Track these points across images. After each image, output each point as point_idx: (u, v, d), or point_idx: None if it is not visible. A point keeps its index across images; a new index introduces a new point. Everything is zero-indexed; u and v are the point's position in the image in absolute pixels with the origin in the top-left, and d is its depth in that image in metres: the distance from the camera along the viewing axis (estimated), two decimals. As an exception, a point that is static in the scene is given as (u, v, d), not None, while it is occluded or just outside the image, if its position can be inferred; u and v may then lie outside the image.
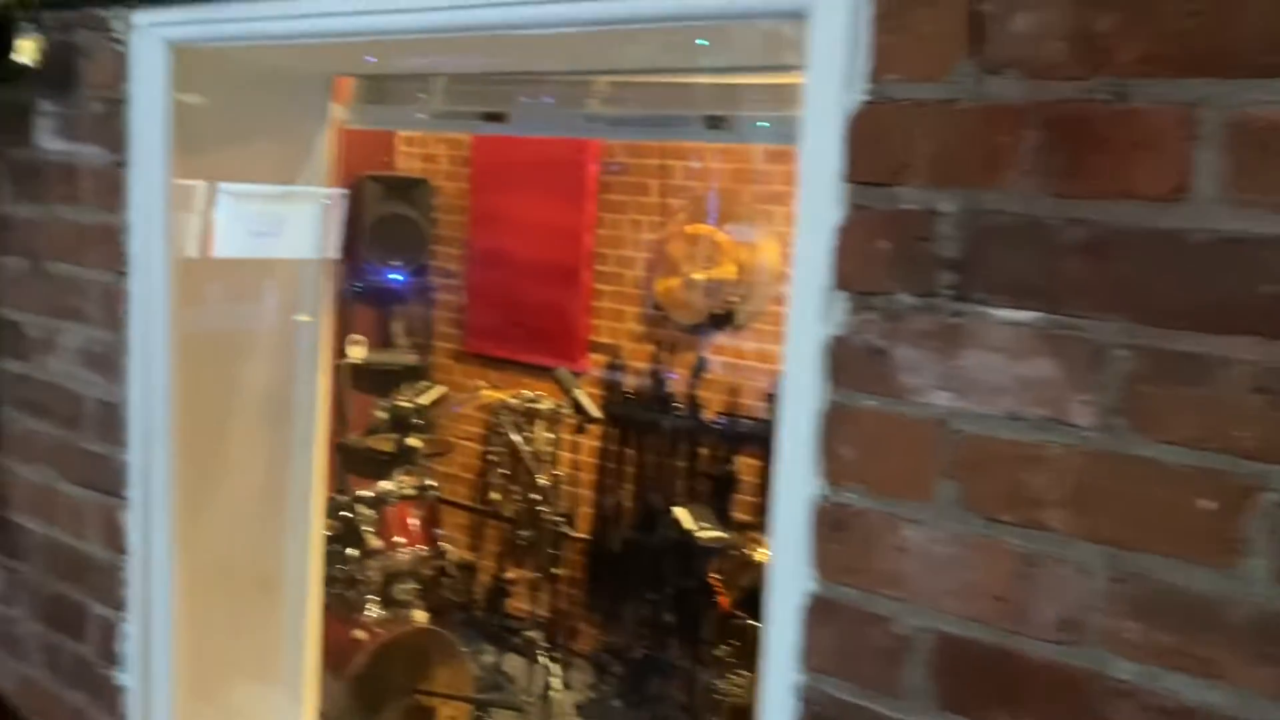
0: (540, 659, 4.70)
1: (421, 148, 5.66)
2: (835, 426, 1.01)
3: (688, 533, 4.11)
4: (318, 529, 1.94)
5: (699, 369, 4.82)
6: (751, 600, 4.39)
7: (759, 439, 4.62)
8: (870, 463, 0.99)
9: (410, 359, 5.61)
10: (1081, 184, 0.86)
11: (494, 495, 5.35)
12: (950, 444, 0.94)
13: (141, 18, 1.59)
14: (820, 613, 1.04)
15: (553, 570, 5.03)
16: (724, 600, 4.22)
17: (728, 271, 4.59)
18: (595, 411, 4.09)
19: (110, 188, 1.65)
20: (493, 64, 1.53)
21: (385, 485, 4.33)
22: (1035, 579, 0.91)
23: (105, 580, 1.75)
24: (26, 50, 1.62)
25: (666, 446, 4.89)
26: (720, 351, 4.79)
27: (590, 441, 5.24)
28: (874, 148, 0.97)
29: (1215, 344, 0.81)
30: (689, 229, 4.71)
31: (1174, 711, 0.85)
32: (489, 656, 4.84)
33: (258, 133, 1.77)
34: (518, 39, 1.29)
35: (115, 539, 1.72)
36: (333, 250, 1.92)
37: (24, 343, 1.83)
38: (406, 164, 5.73)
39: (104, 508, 1.73)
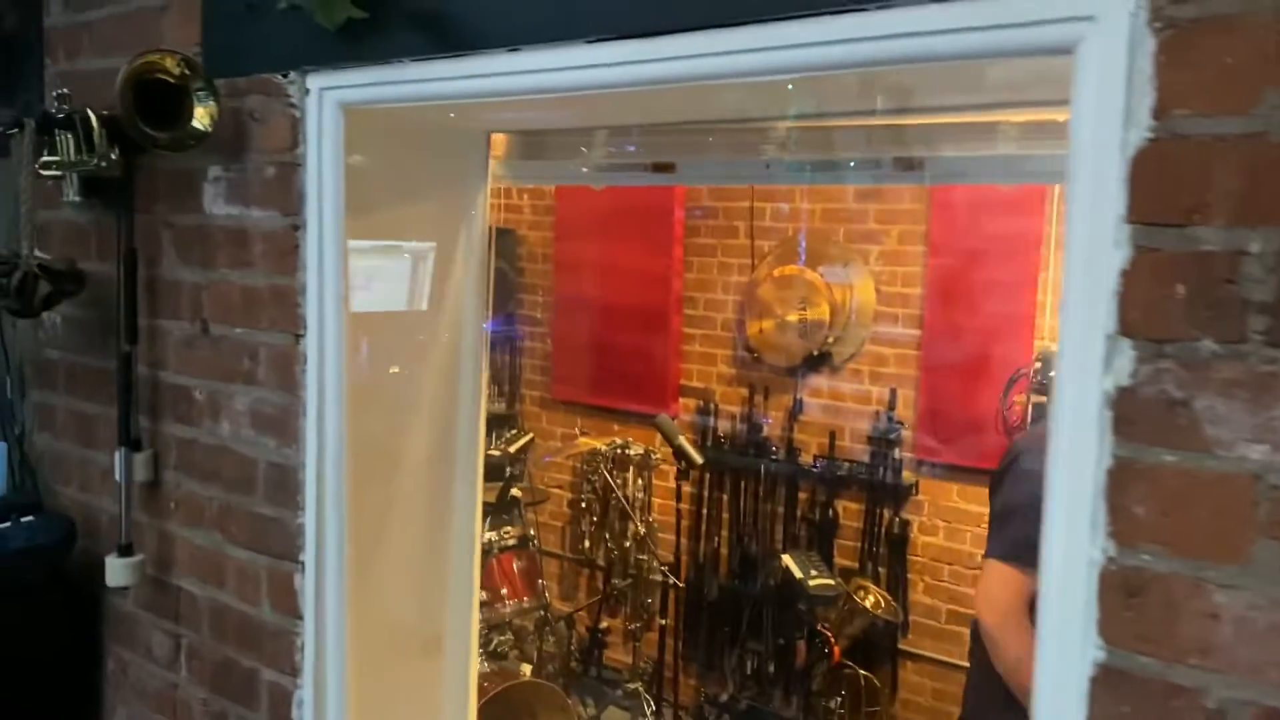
0: (644, 711, 4.62)
1: (505, 198, 5.70)
2: (1125, 484, 0.95)
3: (798, 581, 4.02)
4: (477, 588, 1.90)
5: (795, 411, 4.75)
6: (858, 649, 4.28)
7: (858, 482, 4.53)
8: (1170, 522, 0.92)
9: (499, 407, 5.61)
10: None
11: (585, 544, 5.30)
12: (1270, 501, 0.87)
13: (315, 81, 1.59)
14: (1110, 683, 0.96)
15: (658, 620, 4.97)
16: (837, 650, 4.11)
17: (822, 312, 4.53)
18: (698, 458, 4.03)
19: (284, 250, 1.64)
20: (697, 113, 1.51)
21: (489, 535, 4.31)
22: (1383, 648, 0.83)
23: (278, 645, 1.72)
24: (201, 117, 1.63)
25: (763, 491, 4.82)
26: (816, 394, 4.72)
27: (684, 488, 5.18)
28: (1164, 187, 0.91)
29: None
30: (780, 270, 4.67)
31: None
32: (589, 709, 4.76)
33: (419, 192, 1.76)
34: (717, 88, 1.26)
35: (288, 603, 1.70)
36: (424, 302, 1.89)
37: (191, 407, 1.83)
38: (492, 215, 5.77)
39: (276, 572, 1.71)
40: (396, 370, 1.74)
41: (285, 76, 1.61)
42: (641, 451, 5.06)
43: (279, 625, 1.72)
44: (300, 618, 1.69)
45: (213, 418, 1.80)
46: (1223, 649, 0.90)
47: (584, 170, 1.87)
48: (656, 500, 5.24)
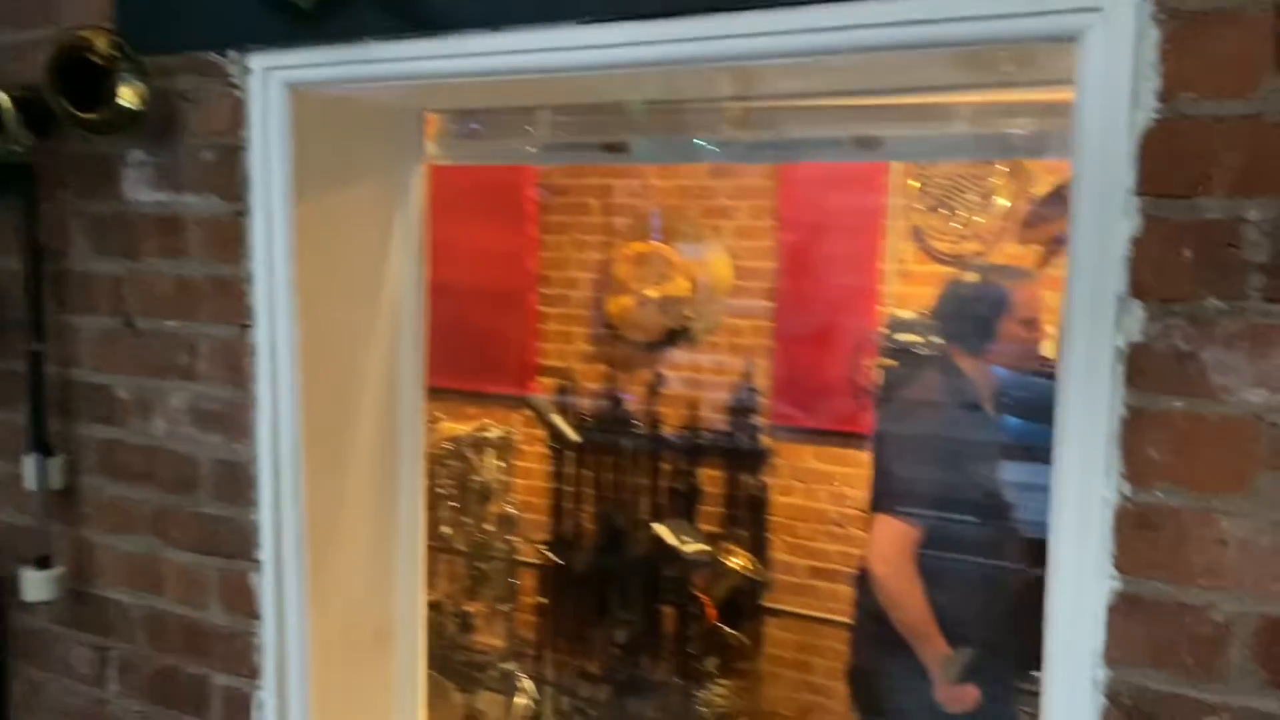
0: (518, 692, 4.63)
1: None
2: (1138, 429, 1.05)
3: (672, 548, 4.12)
4: (424, 575, 1.88)
5: (656, 386, 4.85)
6: (726, 610, 4.44)
7: (719, 450, 4.68)
8: (1181, 461, 1.04)
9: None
10: (1401, 187, 0.93)
11: (445, 529, 5.23)
12: (1271, 437, 1.00)
13: (259, 61, 1.52)
14: (1128, 609, 1.08)
15: (533, 599, 4.97)
16: (712, 612, 4.25)
17: (680, 288, 4.63)
18: (574, 435, 4.06)
19: (228, 238, 1.56)
20: (697, 90, 1.52)
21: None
22: (1370, 557, 0.97)
23: (231, 648, 1.65)
24: (128, 97, 1.52)
25: (627, 465, 4.90)
26: (676, 368, 4.83)
27: (549, 467, 5.20)
28: (1171, 163, 1.02)
29: None
30: (636, 247, 4.74)
31: None
32: (459, 694, 4.72)
33: (356, 174, 1.71)
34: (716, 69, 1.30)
35: (244, 604, 1.63)
36: (364, 287, 1.85)
37: (113, 406, 1.71)
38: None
39: (229, 572, 1.64)
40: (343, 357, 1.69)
41: (224, 55, 1.53)
42: (501, 434, 5.04)
43: (233, 627, 1.65)
44: (258, 618, 1.63)
45: (141, 417, 1.69)
46: (1229, 569, 1.03)
47: (529, 150, 1.86)
48: (518, 482, 5.23)
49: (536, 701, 4.25)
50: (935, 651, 2.65)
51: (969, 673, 2.50)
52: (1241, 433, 1.01)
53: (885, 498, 2.79)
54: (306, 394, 1.60)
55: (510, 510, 4.65)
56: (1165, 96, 1.02)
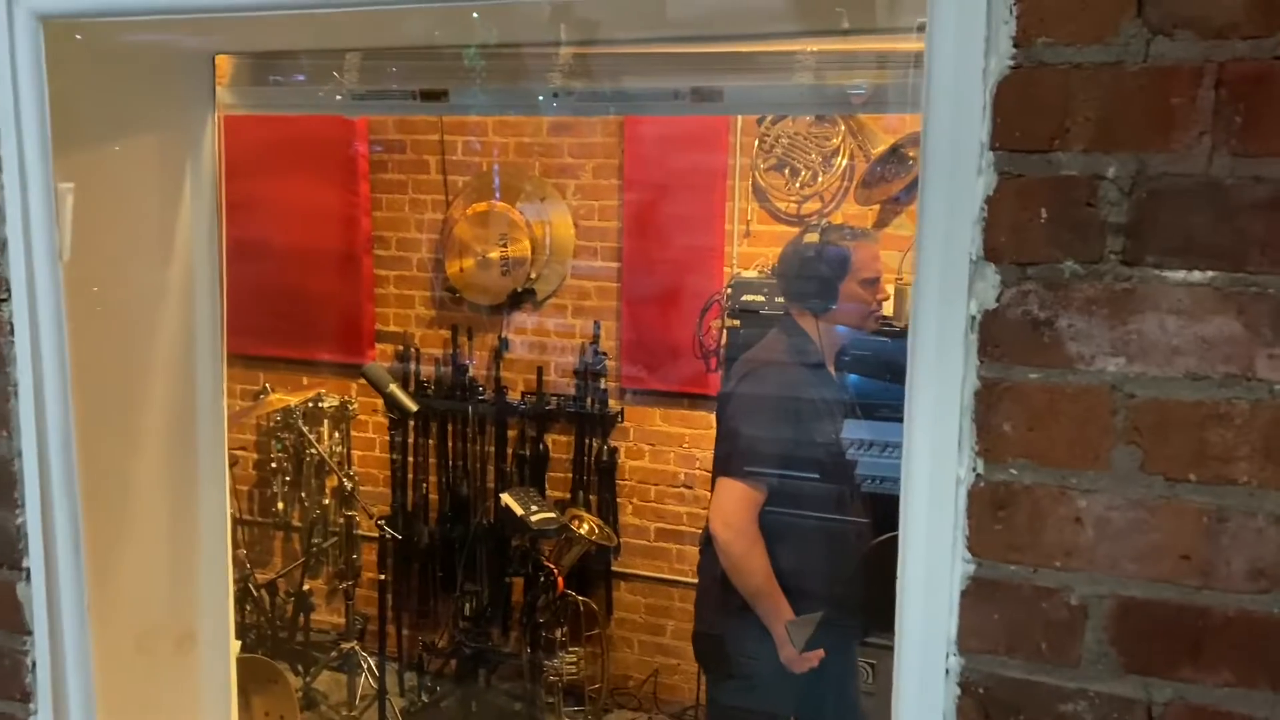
0: (362, 670, 4.45)
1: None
2: (992, 403, 0.98)
3: (519, 518, 4.00)
4: (230, 568, 1.69)
5: (501, 350, 4.69)
6: (575, 576, 4.36)
7: (567, 415, 4.58)
8: (1036, 436, 0.97)
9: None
10: (1262, 142, 0.88)
11: (279, 506, 4.96)
12: (1126, 409, 0.94)
13: (-1, -17, 1.28)
14: (982, 593, 1.01)
15: (365, 575, 4.77)
16: (560, 581, 4.16)
17: (523, 249, 4.48)
18: (412, 405, 3.87)
19: (-33, 195, 1.33)
20: (469, 37, 1.36)
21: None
22: (1225, 534, 0.93)
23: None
24: None
25: (471, 433, 4.74)
26: (521, 331, 4.69)
27: (389, 437, 4.99)
28: (1026, 114, 0.94)
29: (1405, 291, 0.85)
30: (476, 207, 4.55)
31: (1370, 641, 0.90)
32: (295, 677, 4.50)
33: (135, 124, 1.49)
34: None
35: (11, 619, 1.41)
36: (149, 248, 1.64)
37: None
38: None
39: (-12, 586, 1.42)
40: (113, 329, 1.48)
41: (-45, -25, 1.29)
42: (337, 403, 4.80)
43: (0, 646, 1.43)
44: (29, 633, 1.42)
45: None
46: (1084, 549, 0.97)
47: (337, 98, 1.67)
48: (356, 453, 5.00)
49: (380, 679, 4.07)
50: (779, 615, 2.63)
51: (815, 636, 2.48)
52: (1098, 404, 0.95)
53: (728, 460, 2.74)
54: (81, 375, 1.39)
55: (349, 483, 4.42)
56: (1021, 42, 0.94)
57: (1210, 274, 0.90)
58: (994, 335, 0.98)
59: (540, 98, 1.50)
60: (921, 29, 0.99)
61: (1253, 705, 0.94)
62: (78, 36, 1.37)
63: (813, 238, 2.90)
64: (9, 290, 1.35)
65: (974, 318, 0.98)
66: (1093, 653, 0.98)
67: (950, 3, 0.96)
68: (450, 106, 1.61)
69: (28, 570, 1.41)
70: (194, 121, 1.58)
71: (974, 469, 1.00)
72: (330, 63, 1.61)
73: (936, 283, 1.00)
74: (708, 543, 2.79)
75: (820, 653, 2.66)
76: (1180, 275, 0.91)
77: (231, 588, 1.69)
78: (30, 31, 1.30)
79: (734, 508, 2.68)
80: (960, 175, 0.97)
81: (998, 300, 0.97)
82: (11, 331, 1.36)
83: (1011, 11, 0.93)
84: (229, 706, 1.72)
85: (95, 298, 1.42)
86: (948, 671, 1.04)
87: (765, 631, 2.68)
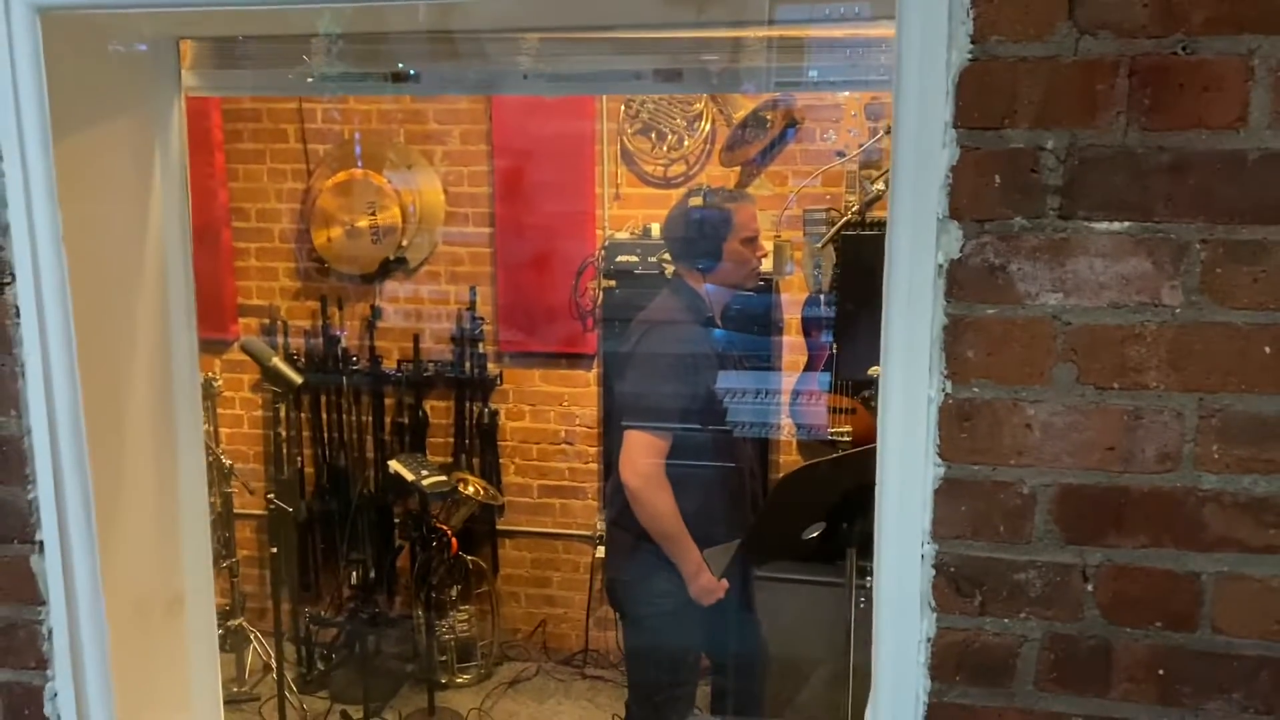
0: (249, 645, 4.44)
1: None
2: (958, 335, 1.20)
3: (411, 483, 4.07)
4: (209, 536, 1.77)
5: (373, 319, 4.71)
6: (462, 537, 4.48)
7: (445, 381, 4.66)
8: (993, 360, 1.20)
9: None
10: (1164, 119, 1.12)
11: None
12: (1064, 334, 1.18)
13: (-4, -25, 1.31)
14: (951, 491, 1.24)
15: (245, 552, 4.74)
16: (455, 543, 4.27)
17: (393, 216, 4.50)
18: (297, 378, 3.86)
19: (-30, 181, 1.36)
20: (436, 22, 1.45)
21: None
22: (1140, 428, 1.18)
23: (12, 641, 1.48)
24: None
25: (347, 404, 4.75)
26: (394, 300, 4.72)
27: (253, 412, 4.94)
28: (982, 98, 1.16)
29: (1270, 231, 1.12)
30: (339, 177, 4.53)
31: (1246, 504, 1.17)
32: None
33: (115, 109, 1.53)
34: None
35: (25, 590, 1.46)
36: (127, 231, 1.69)
37: None
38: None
39: (3, 558, 1.46)
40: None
41: (-52, -35, 1.31)
42: (200, 380, 4.69)
43: (13, 618, 1.47)
44: (44, 603, 1.47)
45: None
46: (1033, 449, 1.21)
47: (307, 80, 1.72)
48: (225, 430, 4.93)
49: (277, 651, 4.08)
50: (688, 554, 2.84)
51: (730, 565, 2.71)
52: (1041, 331, 1.19)
53: (633, 413, 2.92)
54: (82, 354, 1.44)
55: (226, 461, 4.37)
56: (977, 39, 1.15)
57: (1127, 224, 1.15)
58: (958, 279, 1.20)
59: (520, 79, 1.61)
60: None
61: (1161, 560, 1.21)
62: (62, 25, 1.40)
63: (696, 201, 3.11)
64: (14, 274, 1.39)
65: (941, 265, 1.20)
66: (1040, 531, 1.23)
67: (916, 6, 1.17)
68: (421, 87, 1.70)
69: (41, 543, 1.46)
70: (161, 105, 1.62)
71: (943, 389, 1.22)
72: (298, 46, 1.67)
73: (908, 238, 1.21)
74: (616, 492, 2.97)
75: (725, 584, 2.89)
76: (1104, 226, 1.15)
77: (211, 555, 1.76)
78: (28, 23, 1.33)
79: (642, 457, 2.87)
80: (927, 149, 1.18)
81: (961, 251, 1.19)
82: (17, 314, 1.40)
83: (969, 14, 1.14)
84: (214, 663, 1.80)
85: (84, 278, 1.46)
86: (923, 557, 1.27)
87: (674, 571, 2.89)
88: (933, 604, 1.27)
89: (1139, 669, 1.23)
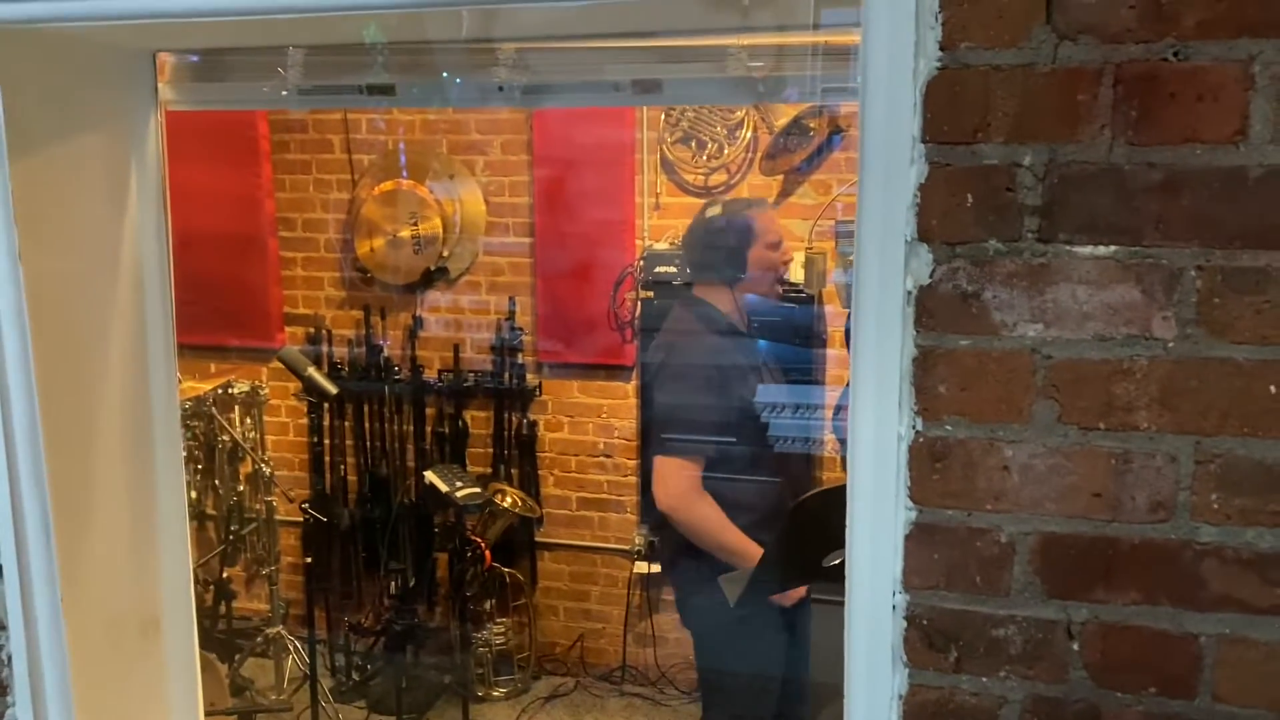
0: (289, 653, 4.46)
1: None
2: (928, 368, 1.11)
3: (444, 494, 4.05)
4: (189, 554, 1.73)
5: (415, 329, 4.71)
6: (500, 549, 4.44)
7: (485, 391, 4.63)
8: (967, 395, 1.10)
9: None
10: (1153, 133, 1.01)
11: (192, 494, 4.90)
12: (1044, 369, 1.07)
13: (-55, -11, 1.29)
14: (923, 537, 1.14)
15: (287, 560, 4.77)
16: (489, 555, 4.24)
17: (434, 226, 4.50)
18: (332, 388, 3.87)
19: (-76, 199, 1.34)
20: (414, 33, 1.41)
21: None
22: (1130, 473, 1.07)
23: (-29, 669, 1.46)
24: None
25: (389, 413, 4.75)
26: (435, 309, 4.71)
27: (298, 420, 4.97)
28: (952, 110, 1.06)
29: (1273, 257, 1.00)
30: (383, 186, 4.54)
31: (1249, 560, 1.05)
32: (221, 665, 4.48)
33: (79, 124, 1.50)
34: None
35: (-16, 617, 1.44)
36: (99, 247, 1.67)
37: None
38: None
39: (-40, 584, 1.44)
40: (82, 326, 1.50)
41: (-101, -20, 1.29)
42: (247, 389, 4.74)
43: (-29, 644, 1.45)
44: (3, 628, 1.44)
45: None
46: (1011, 493, 1.11)
47: (283, 94, 1.69)
48: (270, 438, 4.97)
49: (310, 660, 4.09)
50: (752, 557, 2.70)
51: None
52: (1019, 365, 1.08)
53: (659, 437, 2.84)
54: (41, 368, 1.41)
55: (265, 469, 4.40)
56: (946, 45, 1.05)
57: (1113, 248, 1.04)
58: (928, 307, 1.10)
59: (495, 90, 1.55)
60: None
61: (1156, 619, 1.09)
62: (19, 39, 1.38)
63: (715, 211, 3.02)
64: (-32, 293, 1.37)
65: (910, 292, 1.10)
66: (1020, 583, 1.12)
67: (881, 10, 1.07)
68: (397, 100, 1.65)
69: (0, 567, 1.43)
70: (137, 118, 1.59)
71: (913, 426, 1.12)
72: (275, 59, 1.64)
73: (876, 262, 1.12)
74: (662, 521, 2.87)
75: (803, 590, 2.77)
76: (1088, 250, 1.05)
77: (191, 574, 1.73)
78: (-20, 37, 1.31)
79: (673, 481, 2.77)
80: (894, 165, 1.09)
81: (931, 276, 1.09)
82: (-28, 334, 1.37)
83: (937, 19, 1.05)
84: (195, 689, 1.77)
85: (49, 294, 1.44)
86: (894, 607, 1.17)
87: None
88: (905, 659, 1.17)
89: (1130, 738, 1.11)
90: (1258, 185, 1.00)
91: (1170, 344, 1.04)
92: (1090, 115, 1.02)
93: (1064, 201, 1.04)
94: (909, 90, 1.07)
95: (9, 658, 1.46)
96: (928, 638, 1.15)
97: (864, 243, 1.13)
